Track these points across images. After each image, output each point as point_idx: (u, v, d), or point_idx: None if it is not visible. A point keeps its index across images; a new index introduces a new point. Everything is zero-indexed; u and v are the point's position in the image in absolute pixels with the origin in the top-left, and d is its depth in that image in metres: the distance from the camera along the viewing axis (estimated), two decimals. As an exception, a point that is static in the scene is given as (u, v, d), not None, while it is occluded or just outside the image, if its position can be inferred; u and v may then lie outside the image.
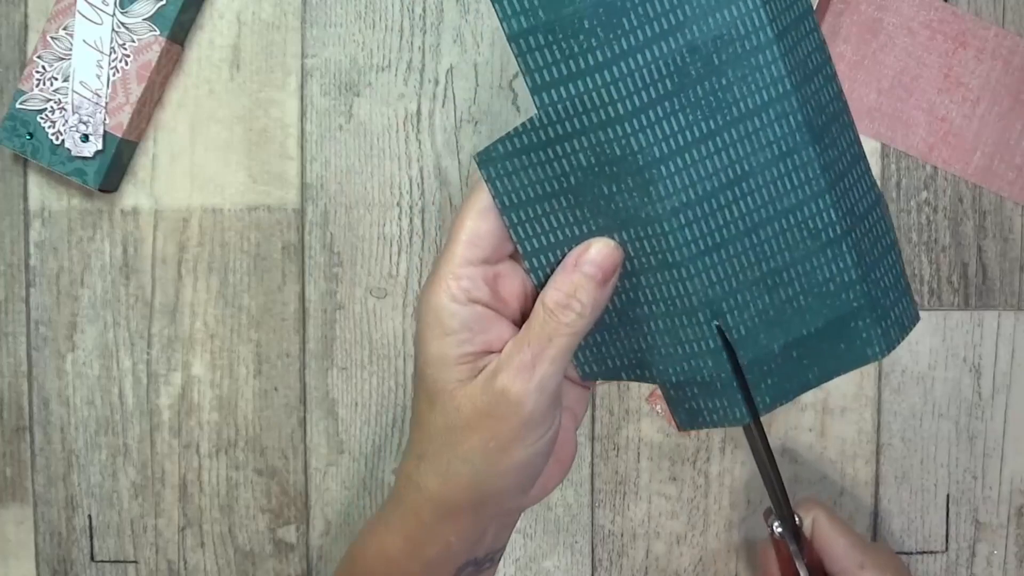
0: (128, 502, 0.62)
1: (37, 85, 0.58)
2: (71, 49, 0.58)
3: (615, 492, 0.61)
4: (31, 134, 0.58)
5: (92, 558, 0.62)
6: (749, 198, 0.38)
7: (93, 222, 0.61)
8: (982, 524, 0.60)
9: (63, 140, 0.58)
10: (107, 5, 0.57)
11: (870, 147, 0.59)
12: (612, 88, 0.37)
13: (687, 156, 0.37)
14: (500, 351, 0.38)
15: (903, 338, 0.40)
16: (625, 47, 0.36)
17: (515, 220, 0.40)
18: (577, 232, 0.39)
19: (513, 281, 0.39)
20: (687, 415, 0.41)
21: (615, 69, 0.36)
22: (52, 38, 0.58)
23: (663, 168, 0.37)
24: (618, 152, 0.37)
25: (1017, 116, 0.59)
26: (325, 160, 0.60)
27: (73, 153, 0.58)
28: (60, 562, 0.62)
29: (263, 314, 0.61)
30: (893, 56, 0.59)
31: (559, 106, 0.38)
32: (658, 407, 0.60)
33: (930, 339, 0.60)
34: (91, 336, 0.62)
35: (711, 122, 0.37)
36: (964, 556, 0.60)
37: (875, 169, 0.59)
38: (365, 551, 0.43)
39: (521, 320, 0.40)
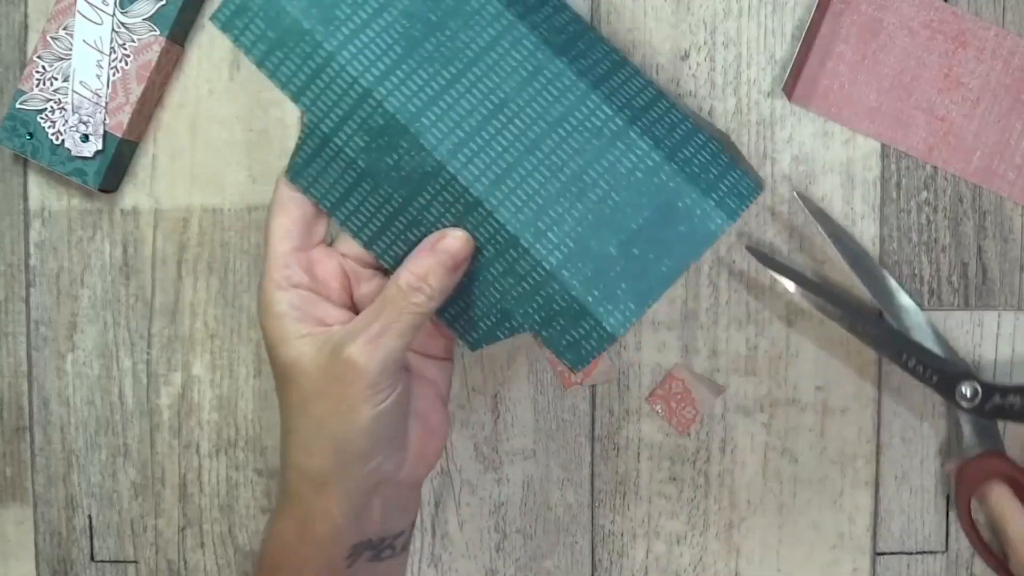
0: (128, 502, 0.62)
1: (37, 85, 0.58)
2: (71, 49, 0.58)
3: (615, 492, 0.61)
4: (31, 134, 0.58)
5: (92, 558, 0.62)
6: (518, 119, 0.41)
7: (93, 222, 0.61)
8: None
9: (63, 140, 0.58)
10: (107, 5, 0.57)
11: (870, 147, 0.59)
12: (350, 68, 0.41)
13: (441, 102, 0.41)
14: (332, 325, 0.43)
15: (745, 206, 0.42)
16: (347, 31, 0.41)
17: (342, 217, 0.45)
18: (392, 208, 0.43)
19: (328, 264, 0.44)
20: (571, 352, 0.43)
21: (345, 52, 0.41)
22: (52, 38, 0.58)
23: (424, 120, 0.41)
24: (381, 121, 0.41)
25: (1017, 116, 0.59)
26: (325, 160, 0.60)
27: (73, 153, 0.58)
28: (60, 562, 0.62)
29: (263, 314, 0.61)
30: (893, 56, 0.59)
31: (319, 102, 0.42)
32: (658, 407, 0.60)
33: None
34: (91, 336, 0.62)
35: (451, 68, 0.41)
36: (964, 556, 0.60)
37: (875, 169, 0.59)
38: (265, 543, 0.46)
39: (342, 298, 0.44)
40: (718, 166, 0.42)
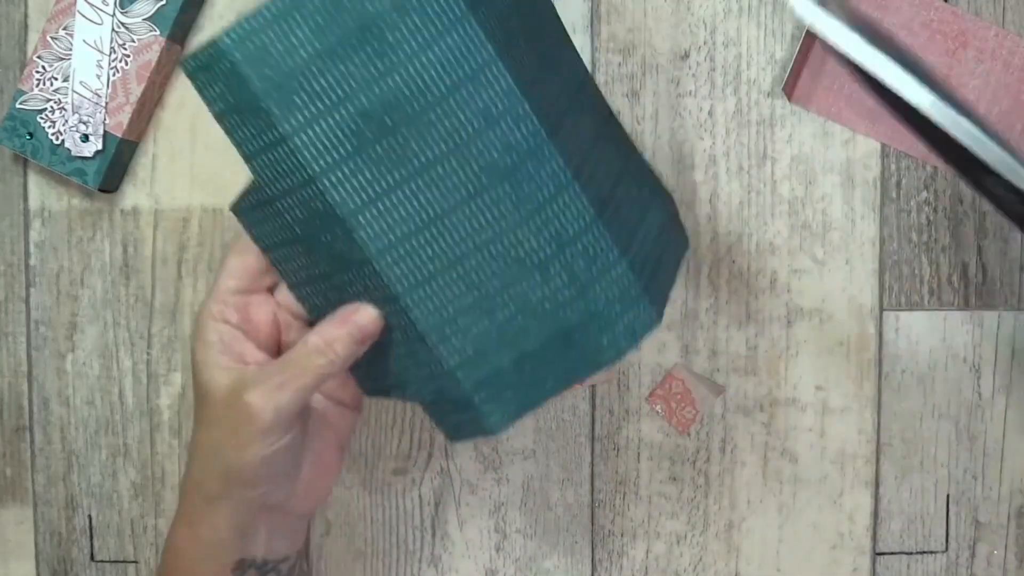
0: (128, 502, 0.62)
1: (37, 85, 0.58)
2: (71, 49, 0.58)
3: (615, 492, 0.61)
4: (31, 134, 0.58)
5: (92, 558, 0.62)
6: (448, 235, 0.43)
7: (93, 222, 0.61)
8: (982, 524, 0.60)
9: (63, 140, 0.58)
10: (107, 5, 0.57)
11: (870, 147, 0.59)
12: (300, 154, 0.42)
13: (380, 204, 0.42)
14: (249, 364, 0.46)
15: (636, 344, 0.44)
16: (303, 119, 0.41)
17: (274, 259, 0.47)
18: (318, 272, 0.45)
19: (262, 310, 0.48)
20: (452, 428, 0.46)
21: (298, 138, 0.42)
22: (52, 38, 0.58)
23: (361, 217, 0.42)
24: (321, 207, 0.42)
25: (1017, 116, 0.59)
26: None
27: (73, 153, 0.58)
28: (60, 562, 0.62)
29: (263, 314, 0.61)
30: (893, 56, 0.59)
31: (267, 171, 0.43)
32: (658, 407, 0.60)
33: (930, 339, 0.60)
34: (91, 336, 0.62)
35: (396, 173, 0.42)
36: (964, 556, 0.60)
37: (875, 169, 0.59)
38: (165, 547, 0.49)
39: (268, 342, 0.48)
40: (624, 302, 0.44)
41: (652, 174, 0.51)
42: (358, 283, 0.44)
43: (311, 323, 0.47)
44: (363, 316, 0.45)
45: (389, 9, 0.41)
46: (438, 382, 0.45)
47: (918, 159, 0.59)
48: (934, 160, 0.59)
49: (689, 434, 0.61)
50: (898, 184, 0.60)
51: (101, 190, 0.59)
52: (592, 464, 0.61)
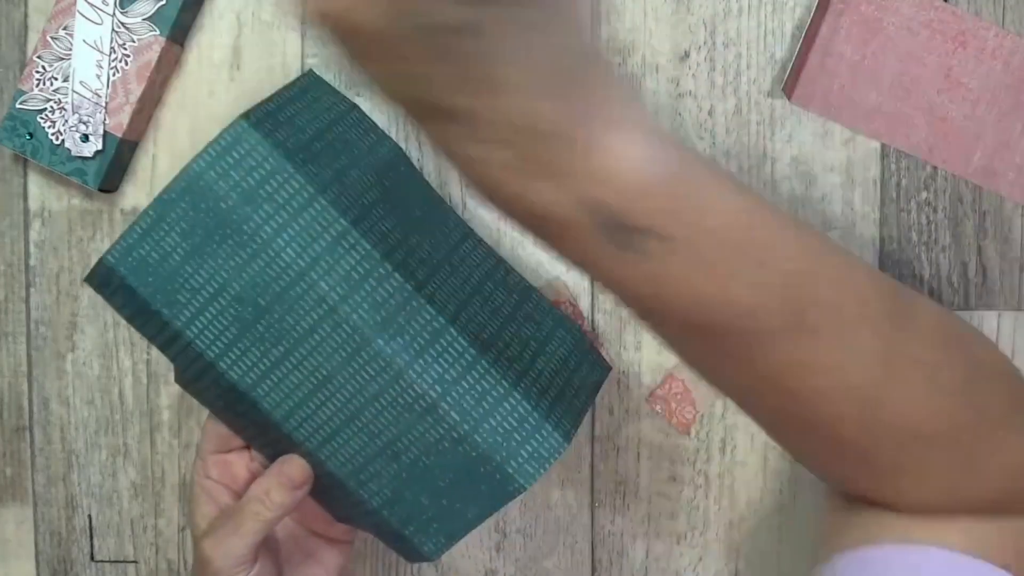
0: (128, 502, 0.62)
1: (37, 85, 0.58)
2: (71, 49, 0.58)
3: (615, 492, 0.61)
4: (31, 134, 0.58)
5: (92, 558, 0.62)
6: (340, 394, 0.47)
7: (93, 222, 0.61)
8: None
9: (63, 140, 0.58)
10: (107, 5, 0.57)
11: (870, 147, 0.59)
12: (195, 344, 0.47)
13: (273, 376, 0.47)
14: None
15: (544, 469, 0.47)
16: (189, 314, 0.47)
17: (224, 421, 0.51)
18: (252, 433, 0.51)
19: (239, 465, 0.53)
20: (402, 553, 0.51)
21: (189, 331, 0.47)
22: (52, 38, 0.58)
23: (259, 390, 0.48)
24: (226, 384, 0.48)
25: (1017, 116, 0.59)
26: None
27: (73, 153, 0.58)
28: (60, 562, 0.62)
29: (263, 314, 0.61)
30: (893, 56, 0.59)
31: (179, 360, 0.49)
32: (658, 407, 0.60)
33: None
34: (91, 336, 0.62)
35: (279, 347, 0.47)
36: (964, 556, 0.60)
37: (875, 169, 0.59)
38: None
39: (244, 489, 0.52)
40: (524, 431, 0.47)
41: (556, 313, 0.54)
42: (283, 441, 0.49)
43: None
44: (290, 467, 0.49)
45: (241, 203, 0.46)
46: (372, 518, 0.50)
47: (918, 159, 0.59)
48: (934, 160, 0.59)
49: (689, 434, 0.60)
50: (898, 184, 0.60)
51: (101, 190, 0.59)
52: (592, 464, 0.61)
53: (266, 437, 0.50)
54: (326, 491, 0.50)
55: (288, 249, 0.47)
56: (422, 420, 0.47)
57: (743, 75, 0.59)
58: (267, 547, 0.51)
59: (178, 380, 0.51)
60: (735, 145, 0.59)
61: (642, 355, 0.60)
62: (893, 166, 0.60)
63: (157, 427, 0.62)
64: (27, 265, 0.62)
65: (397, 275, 0.48)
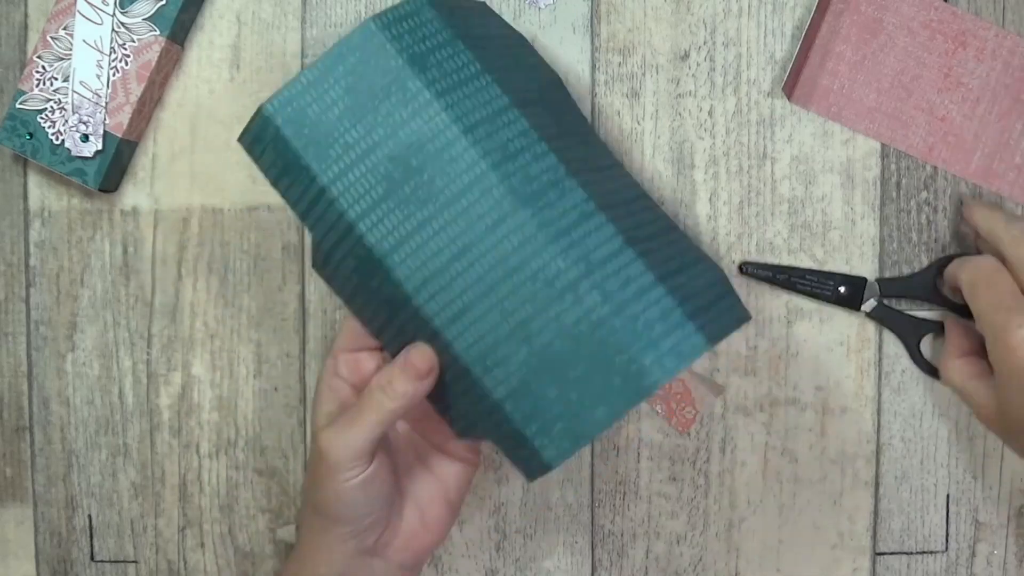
0: (128, 502, 0.62)
1: (37, 85, 0.58)
2: (71, 49, 0.58)
3: (615, 492, 0.61)
4: (31, 134, 0.58)
5: (92, 558, 0.62)
6: (477, 265, 0.46)
7: (93, 222, 0.61)
8: (982, 524, 0.60)
9: (63, 140, 0.58)
10: (107, 5, 0.57)
11: (870, 147, 0.59)
12: (339, 202, 0.47)
13: (413, 241, 0.46)
14: None
15: (683, 365, 0.44)
16: (337, 170, 0.46)
17: (354, 312, 0.51)
18: (381, 319, 0.49)
19: (369, 364, 0.52)
20: (523, 467, 0.47)
21: (335, 188, 0.47)
22: (52, 38, 0.58)
23: (395, 256, 0.46)
24: (363, 252, 0.47)
25: (1017, 116, 0.59)
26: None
27: (73, 153, 0.58)
28: (60, 562, 0.62)
29: (263, 314, 0.61)
30: (893, 56, 0.59)
31: (318, 227, 0.48)
32: (658, 407, 0.60)
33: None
34: (91, 336, 0.62)
35: (424, 211, 0.46)
36: (964, 556, 0.60)
37: (875, 169, 0.59)
38: None
39: None
40: (665, 323, 0.44)
41: (700, 251, 0.51)
42: (409, 325, 0.48)
43: None
44: (415, 354, 0.48)
45: (409, 65, 0.46)
46: (493, 418, 0.47)
47: (918, 159, 0.59)
48: (934, 160, 0.59)
49: (689, 434, 0.60)
50: (898, 184, 0.60)
51: (101, 190, 0.59)
52: (592, 464, 0.61)
53: (395, 321, 0.48)
54: (447, 390, 0.48)
55: (448, 111, 0.46)
56: (560, 300, 0.45)
57: (743, 75, 0.59)
58: (385, 450, 0.50)
59: (314, 263, 0.50)
60: (735, 145, 0.59)
61: (642, 355, 0.60)
62: (893, 166, 0.60)
63: (157, 427, 0.62)
64: (27, 265, 0.62)
65: (553, 156, 0.46)
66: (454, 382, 0.48)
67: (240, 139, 0.49)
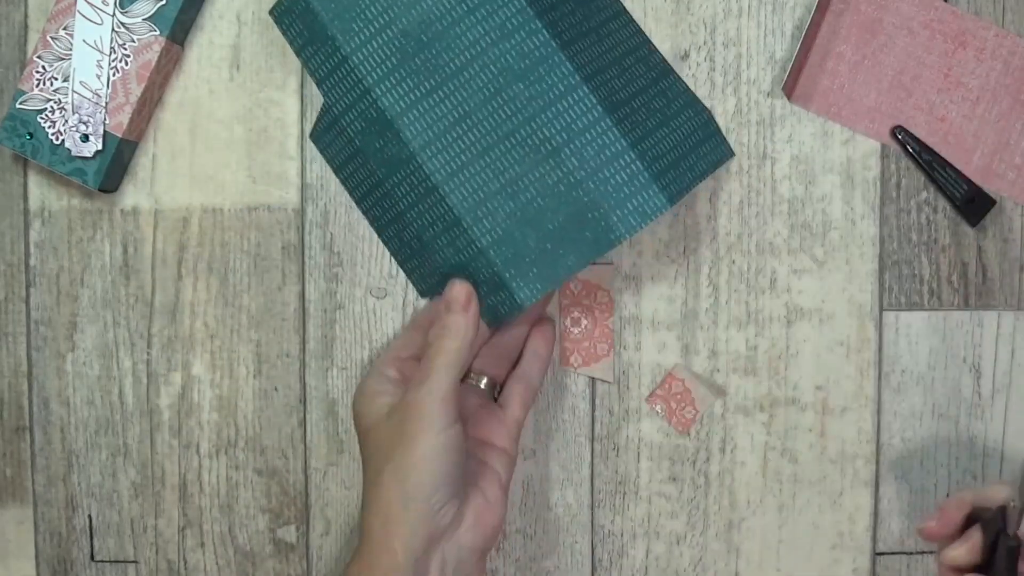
0: (128, 502, 0.62)
1: (37, 85, 0.58)
2: (71, 49, 0.58)
3: (615, 492, 0.61)
4: (31, 134, 0.58)
5: (92, 558, 0.62)
6: (476, 129, 0.53)
7: (93, 222, 0.61)
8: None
9: (63, 140, 0.58)
10: (107, 5, 0.57)
11: (870, 147, 0.59)
12: (358, 69, 0.54)
13: (421, 106, 0.53)
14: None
15: (644, 223, 0.52)
16: (359, 40, 0.53)
17: (343, 176, 0.59)
18: (373, 181, 0.56)
19: (414, 367, 0.54)
20: (490, 314, 0.54)
21: (356, 56, 0.53)
22: (52, 38, 0.58)
23: (406, 118, 0.53)
24: (374, 114, 0.54)
25: (1017, 116, 0.59)
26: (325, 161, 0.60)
27: (73, 153, 0.58)
28: (60, 562, 0.62)
29: (263, 314, 0.61)
30: (893, 56, 0.59)
31: (334, 91, 0.55)
32: (658, 407, 0.60)
33: (930, 339, 0.60)
34: (91, 336, 0.62)
35: (432, 80, 0.53)
36: (964, 556, 0.60)
37: (875, 169, 0.59)
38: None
39: None
40: (633, 186, 0.52)
41: (689, 95, 0.57)
42: (405, 183, 0.54)
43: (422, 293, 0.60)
44: (455, 289, 0.53)
45: None
46: (474, 264, 0.54)
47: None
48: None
49: (689, 434, 0.60)
50: (898, 184, 0.60)
51: (101, 190, 0.59)
52: (592, 464, 0.61)
53: (386, 186, 0.55)
54: (427, 250, 0.55)
55: None
56: (544, 162, 0.52)
57: (743, 75, 0.59)
58: (461, 422, 0.52)
59: (313, 132, 0.58)
60: (735, 145, 0.59)
61: (642, 355, 0.60)
62: (893, 166, 0.60)
63: (157, 427, 0.62)
64: (27, 265, 0.62)
65: (545, 31, 0.52)
66: (436, 238, 0.54)
67: (271, 11, 0.56)
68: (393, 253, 0.60)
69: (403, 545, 0.50)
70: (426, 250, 0.56)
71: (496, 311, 0.54)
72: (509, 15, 0.52)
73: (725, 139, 0.56)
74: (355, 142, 0.56)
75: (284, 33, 0.56)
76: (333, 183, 0.60)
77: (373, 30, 0.53)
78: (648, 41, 0.57)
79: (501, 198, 0.53)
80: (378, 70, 0.53)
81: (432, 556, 0.50)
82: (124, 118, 0.58)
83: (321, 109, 0.57)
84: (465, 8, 0.53)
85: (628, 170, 0.52)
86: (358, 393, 0.54)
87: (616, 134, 0.52)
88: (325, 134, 0.58)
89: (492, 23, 0.53)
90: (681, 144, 0.54)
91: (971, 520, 0.49)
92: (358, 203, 0.59)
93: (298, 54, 0.56)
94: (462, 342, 0.52)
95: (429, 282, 0.58)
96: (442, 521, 0.51)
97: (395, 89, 0.53)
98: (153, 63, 0.58)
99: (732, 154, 0.56)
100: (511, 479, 0.55)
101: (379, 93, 0.53)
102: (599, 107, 0.52)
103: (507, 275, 0.53)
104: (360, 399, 0.54)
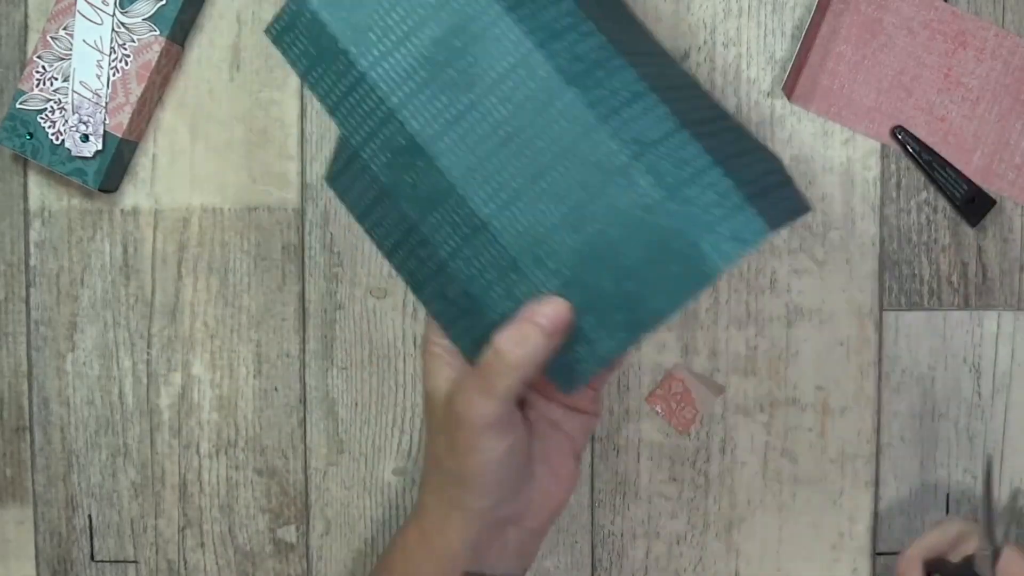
0: (128, 502, 0.62)
1: (37, 85, 0.58)
2: (71, 49, 0.58)
3: (615, 492, 0.61)
4: (31, 134, 0.58)
5: (92, 558, 0.62)
6: (527, 149, 0.43)
7: (93, 222, 0.61)
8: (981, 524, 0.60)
9: (63, 140, 0.58)
10: (107, 5, 0.57)
11: (870, 147, 0.59)
12: (378, 88, 0.44)
13: (458, 128, 0.43)
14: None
15: (744, 251, 0.41)
16: (377, 54, 0.44)
17: (368, 225, 0.48)
18: (406, 225, 0.46)
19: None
20: (561, 375, 0.44)
21: (375, 73, 0.44)
22: (52, 38, 0.58)
23: (441, 143, 0.43)
24: (403, 141, 0.44)
25: (1017, 116, 0.59)
26: (325, 160, 0.60)
27: (73, 153, 0.58)
28: (60, 562, 0.62)
29: (263, 314, 0.61)
30: (893, 56, 0.59)
31: (350, 118, 0.45)
32: (658, 407, 0.60)
33: (930, 339, 0.60)
34: (91, 336, 0.62)
35: (469, 94, 0.43)
36: (964, 556, 0.60)
37: (875, 169, 0.59)
38: (390, 543, 0.50)
39: None
40: (724, 207, 0.41)
41: (758, 139, 0.49)
42: (446, 223, 0.45)
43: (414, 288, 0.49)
44: (550, 306, 0.43)
45: None
46: None
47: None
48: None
49: (689, 434, 0.60)
50: (898, 184, 0.60)
51: (101, 190, 0.59)
52: (592, 464, 0.61)
53: (422, 230, 0.45)
54: (477, 302, 0.45)
55: None
56: (611, 183, 0.42)
57: (743, 75, 0.59)
58: (522, 414, 0.47)
59: (329, 174, 0.48)
60: (735, 145, 0.59)
61: (642, 355, 0.60)
62: (893, 166, 0.60)
63: (157, 427, 0.62)
64: (27, 265, 0.62)
65: (600, 35, 0.43)
66: (499, 280, 0.44)
67: (267, 30, 0.46)
68: (436, 316, 0.48)
69: (458, 535, 0.47)
70: (477, 307, 0.45)
71: (571, 370, 0.44)
72: (557, 15, 0.43)
73: (801, 191, 0.47)
74: (380, 179, 0.45)
75: (285, 54, 0.46)
76: (333, 183, 0.60)
77: (394, 40, 0.44)
78: (701, 84, 0.50)
79: (564, 232, 0.43)
80: (403, 88, 0.44)
81: (491, 543, 0.48)
82: (124, 118, 0.58)
83: (336, 145, 0.48)
84: (504, 5, 0.43)
85: (717, 188, 0.41)
86: (424, 346, 0.48)
87: (698, 147, 0.42)
88: (343, 175, 0.47)
89: (537, 22, 0.43)
90: (762, 179, 0.45)
91: (934, 567, 0.49)
92: (388, 256, 0.48)
93: (304, 78, 0.46)
94: (529, 366, 0.43)
95: (484, 347, 0.46)
96: (501, 514, 0.47)
97: (425, 109, 0.44)
98: (153, 63, 0.58)
99: (810, 208, 0.47)
100: (590, 435, 0.52)
101: (406, 115, 0.44)
102: (674, 118, 0.42)
103: (584, 325, 0.43)
104: (426, 355, 0.48)
